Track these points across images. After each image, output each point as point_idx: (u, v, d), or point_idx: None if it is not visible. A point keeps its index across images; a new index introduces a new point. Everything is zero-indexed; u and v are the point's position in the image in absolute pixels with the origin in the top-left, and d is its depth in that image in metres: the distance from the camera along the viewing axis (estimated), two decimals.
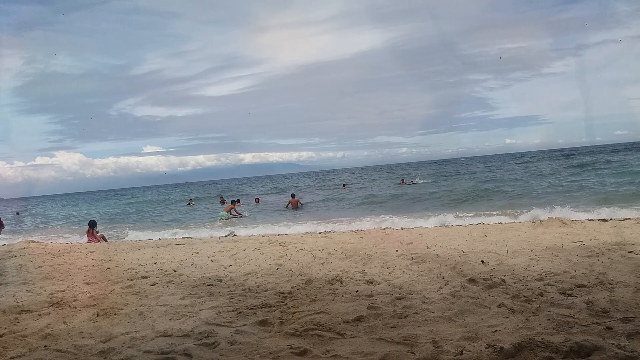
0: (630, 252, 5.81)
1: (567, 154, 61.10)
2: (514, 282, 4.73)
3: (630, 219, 9.74)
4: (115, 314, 4.45)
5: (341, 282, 5.23)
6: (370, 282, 5.16)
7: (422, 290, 4.69)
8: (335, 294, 4.75)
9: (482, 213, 14.77)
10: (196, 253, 8.25)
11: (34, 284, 6.11)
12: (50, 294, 5.40)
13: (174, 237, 14.11)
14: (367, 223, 14.57)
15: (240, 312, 4.29)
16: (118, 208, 40.23)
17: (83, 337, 3.81)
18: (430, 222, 13.48)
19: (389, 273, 5.60)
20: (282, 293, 4.90)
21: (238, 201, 27.97)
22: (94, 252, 9.30)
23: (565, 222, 8.99)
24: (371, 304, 4.24)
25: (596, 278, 4.66)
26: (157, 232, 17.43)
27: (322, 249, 7.64)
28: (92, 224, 14.26)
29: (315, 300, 4.55)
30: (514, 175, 31.78)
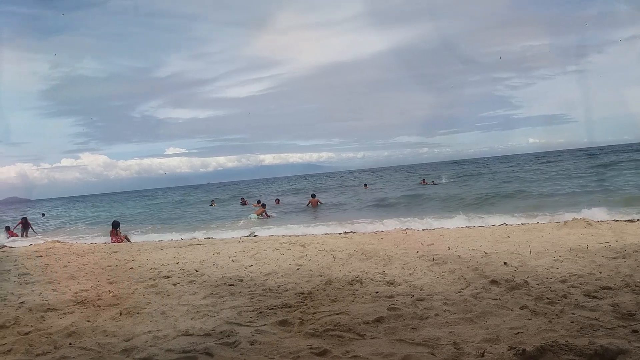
0: None
1: (592, 153, 59.90)
2: (537, 284, 4.66)
3: None
4: (137, 313, 4.51)
5: (361, 283, 5.22)
6: (390, 283, 5.14)
7: (443, 291, 4.65)
8: (355, 294, 4.75)
9: (505, 214, 14.58)
10: (217, 253, 8.32)
11: (59, 283, 6.23)
12: (75, 293, 5.51)
13: (196, 238, 14.25)
14: (388, 224, 14.50)
15: (260, 312, 4.31)
16: (141, 209, 40.79)
17: (106, 336, 3.88)
18: (451, 223, 13.35)
19: (410, 274, 5.57)
20: (302, 293, 4.91)
21: (259, 202, 28.12)
22: (117, 252, 9.45)
23: (590, 222, 8.82)
24: (391, 305, 4.22)
25: (622, 280, 4.56)
26: (179, 232, 17.63)
27: (342, 250, 7.64)
28: (116, 225, 14.49)
29: (335, 301, 4.54)
30: (537, 175, 31.29)
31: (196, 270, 6.66)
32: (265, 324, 3.96)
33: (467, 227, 11.74)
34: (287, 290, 5.14)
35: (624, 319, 3.50)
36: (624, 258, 5.57)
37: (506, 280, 4.79)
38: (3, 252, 10.56)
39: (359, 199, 27.27)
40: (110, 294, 5.38)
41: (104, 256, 8.83)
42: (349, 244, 8.36)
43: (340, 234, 11.55)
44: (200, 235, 15.92)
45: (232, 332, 3.76)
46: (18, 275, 6.99)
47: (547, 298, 4.15)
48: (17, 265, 8.09)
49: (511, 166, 51.98)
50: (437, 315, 3.92)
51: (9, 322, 4.28)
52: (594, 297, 4.10)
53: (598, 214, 11.30)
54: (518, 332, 3.37)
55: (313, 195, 25.64)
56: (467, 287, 4.74)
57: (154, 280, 6.11)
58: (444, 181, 36.55)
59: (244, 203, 30.68)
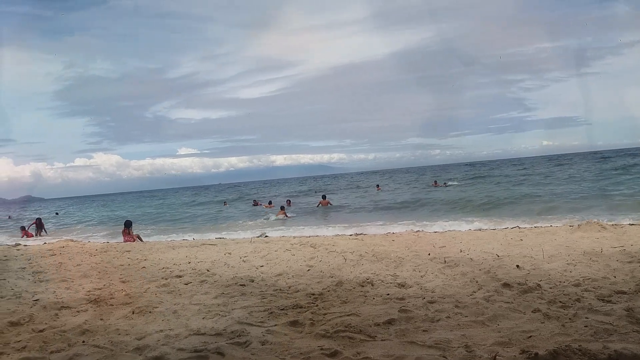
0: None
1: (606, 156, 59.28)
2: (550, 287, 4.62)
3: None
4: (150, 312, 4.54)
5: (372, 285, 5.21)
6: (401, 285, 5.12)
7: (454, 294, 4.63)
8: (366, 296, 4.74)
9: (518, 216, 14.47)
10: (229, 253, 8.36)
11: (72, 281, 6.30)
12: (88, 291, 5.56)
13: (208, 238, 14.32)
14: (399, 226, 14.47)
15: (271, 312, 4.32)
16: (153, 209, 41.09)
17: (119, 334, 3.91)
18: (463, 225, 13.29)
19: (421, 276, 5.55)
20: (313, 294, 4.91)
21: (270, 203, 28.17)
22: (129, 251, 9.53)
23: (604, 226, 8.71)
24: (403, 307, 4.21)
25: (637, 284, 4.51)
26: (191, 232, 17.74)
27: (353, 251, 7.63)
28: (128, 224, 14.61)
29: (346, 302, 4.54)
30: (551, 178, 31.02)
31: (208, 270, 6.69)
32: (276, 325, 3.97)
33: (480, 229, 11.67)
34: (298, 291, 5.14)
35: (639, 323, 3.46)
36: (639, 262, 5.50)
37: (519, 284, 4.75)
38: (18, 250, 10.69)
39: (370, 200, 27.24)
40: (123, 292, 5.43)
41: (116, 255, 8.91)
42: (359, 246, 8.35)
43: (351, 235, 11.53)
44: (212, 235, 16.01)
45: (243, 332, 3.78)
46: (32, 273, 7.07)
47: (560, 302, 4.11)
48: (31, 263, 8.18)
49: (524, 168, 51.59)
50: (449, 317, 3.91)
51: (24, 320, 4.34)
52: (608, 302, 4.06)
53: (612, 217, 11.17)
54: (530, 336, 3.35)
55: (324, 197, 25.68)
56: (479, 289, 4.72)
57: (166, 279, 6.15)
58: (455, 183, 36.36)
59: (256, 204, 30.84)
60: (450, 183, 35.92)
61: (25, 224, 22.89)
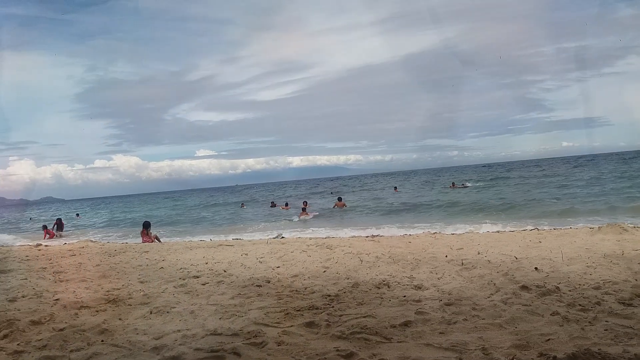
0: None
1: (628, 158, 58.22)
2: (569, 290, 4.55)
3: None
4: (167, 312, 4.59)
5: (388, 287, 5.19)
6: (418, 287, 5.09)
7: (472, 296, 4.59)
8: (382, 298, 4.72)
9: (536, 218, 14.29)
10: (245, 254, 8.40)
11: (92, 281, 6.39)
12: (107, 291, 5.63)
13: (225, 238, 14.41)
14: (416, 228, 14.40)
15: (287, 313, 4.33)
16: (171, 210, 41.49)
17: (137, 334, 3.96)
18: (481, 227, 13.17)
19: (438, 278, 5.51)
20: (329, 296, 4.91)
21: (286, 204, 28.26)
22: (148, 251, 9.63)
23: (625, 228, 8.56)
24: (419, 309, 4.19)
25: None
26: (208, 233, 17.87)
27: (369, 253, 7.61)
28: (147, 225, 14.77)
29: (362, 304, 4.53)
30: (571, 179, 30.59)
31: (224, 271, 6.73)
32: (292, 325, 3.98)
33: (498, 231, 11.56)
34: (314, 292, 5.15)
35: None
36: None
37: (537, 286, 4.69)
38: (39, 250, 10.89)
39: (387, 202, 27.15)
40: (141, 292, 5.49)
41: (135, 256, 9.01)
42: (376, 247, 8.33)
43: (367, 237, 11.51)
44: (229, 236, 16.11)
45: (259, 332, 3.79)
46: (53, 273, 7.20)
47: (580, 305, 4.05)
48: (52, 263, 8.33)
49: (542, 170, 50.95)
50: (466, 320, 3.87)
51: (45, 318, 4.42)
52: (629, 305, 3.98)
53: (634, 219, 10.97)
54: (549, 339, 3.30)
55: (339, 199, 25.66)
56: (496, 292, 4.67)
57: (184, 279, 6.21)
58: (473, 184, 36.06)
59: (273, 205, 30.96)
60: (467, 184, 35.64)
61: (47, 224, 23.32)
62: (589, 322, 3.61)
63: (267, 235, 14.61)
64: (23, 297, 5.45)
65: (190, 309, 4.68)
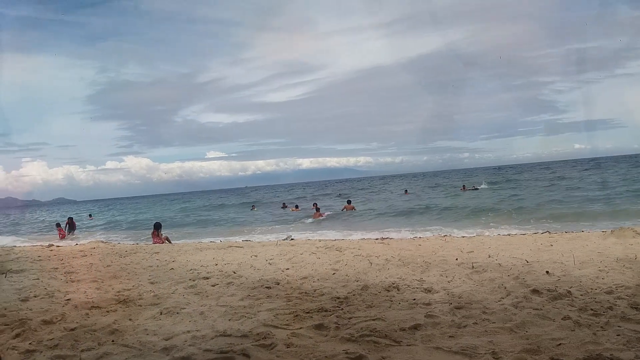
0: None
1: None
2: (581, 294, 4.51)
3: None
4: (177, 313, 4.61)
5: (398, 290, 5.17)
6: (428, 290, 5.07)
7: (482, 300, 4.56)
8: (391, 301, 4.71)
9: (548, 221, 14.18)
10: (255, 256, 8.41)
11: (102, 281, 6.44)
12: (118, 291, 5.67)
13: (235, 240, 14.46)
14: (426, 230, 14.34)
15: (297, 315, 4.34)
16: (181, 211, 41.69)
17: (147, 334, 3.98)
18: (492, 230, 13.09)
19: (448, 282, 5.49)
20: (338, 298, 4.91)
21: (297, 207, 28.35)
22: (158, 252, 9.69)
23: (638, 232, 8.45)
24: (429, 313, 4.17)
25: None
26: (218, 235, 17.94)
27: (379, 256, 7.59)
28: (158, 226, 14.86)
29: (371, 307, 4.52)
30: (583, 182, 30.31)
31: (234, 272, 6.75)
32: (301, 327, 3.98)
33: (508, 234, 11.47)
34: (323, 294, 5.14)
35: None
36: None
37: (548, 290, 4.66)
38: (51, 251, 10.99)
39: (396, 204, 27.07)
40: (151, 293, 5.52)
41: (145, 257, 9.06)
42: (385, 250, 8.30)
43: (376, 239, 11.48)
44: (238, 237, 16.16)
45: (268, 334, 3.80)
46: (65, 273, 7.26)
47: (592, 309, 4.01)
48: (63, 263, 8.40)
49: (553, 172, 50.54)
50: (476, 323, 3.85)
51: (56, 318, 4.46)
52: None
53: None
54: (560, 344, 3.28)
55: (348, 201, 25.63)
56: (507, 295, 4.64)
57: (194, 281, 6.23)
58: (484, 186, 35.85)
59: (285, 206, 31.04)
60: (478, 187, 35.44)
61: (60, 223, 23.59)
62: (601, 327, 3.57)
63: (277, 237, 14.63)
64: (35, 296, 5.51)
65: (200, 310, 4.69)
